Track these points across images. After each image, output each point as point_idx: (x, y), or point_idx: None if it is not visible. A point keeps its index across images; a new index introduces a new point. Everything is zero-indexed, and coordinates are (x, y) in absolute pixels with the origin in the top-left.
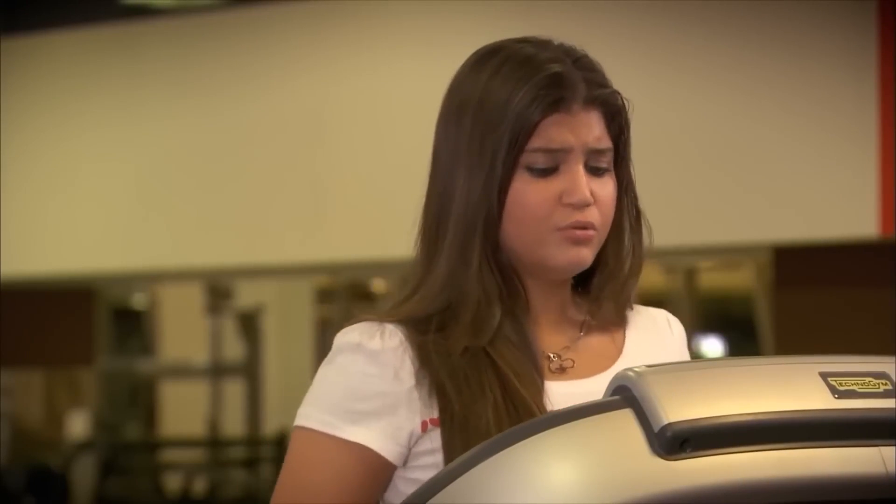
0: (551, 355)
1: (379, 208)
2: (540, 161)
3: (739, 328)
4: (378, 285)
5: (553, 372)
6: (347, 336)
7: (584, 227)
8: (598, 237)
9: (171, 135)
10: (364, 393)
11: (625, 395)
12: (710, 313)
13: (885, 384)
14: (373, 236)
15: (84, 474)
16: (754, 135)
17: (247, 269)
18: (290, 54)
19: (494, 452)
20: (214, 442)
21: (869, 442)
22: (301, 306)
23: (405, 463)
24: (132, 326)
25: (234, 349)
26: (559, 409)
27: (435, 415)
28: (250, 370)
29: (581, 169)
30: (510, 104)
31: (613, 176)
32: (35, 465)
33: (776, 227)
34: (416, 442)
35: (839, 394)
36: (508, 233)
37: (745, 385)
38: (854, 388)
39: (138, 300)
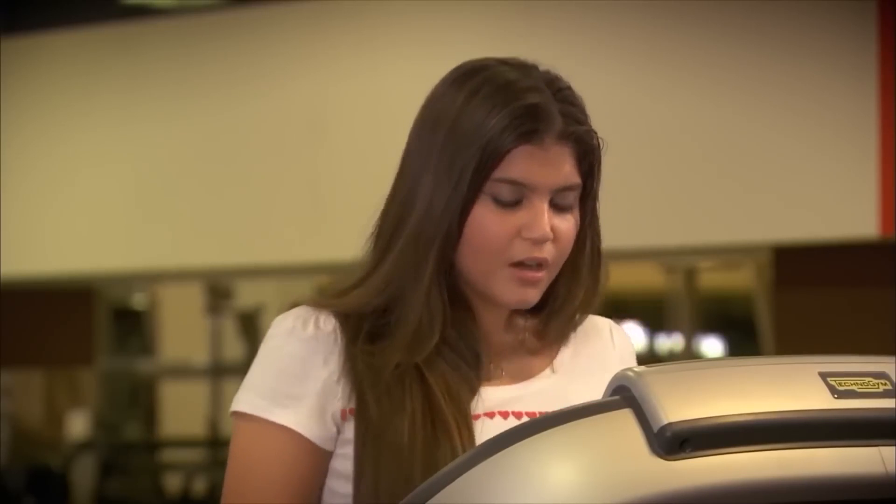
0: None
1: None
2: (504, 192)
3: (739, 328)
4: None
5: (486, 378)
6: (283, 321)
7: (538, 263)
8: (547, 276)
9: (171, 135)
10: (294, 377)
11: (624, 395)
12: (710, 313)
13: (885, 384)
14: None
15: (84, 474)
16: (754, 135)
17: (247, 269)
18: (290, 54)
19: (494, 452)
20: (214, 442)
21: (869, 442)
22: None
23: (335, 448)
24: (132, 326)
25: (234, 349)
26: (559, 410)
27: (353, 405)
28: None
29: (545, 206)
30: (483, 128)
31: (577, 212)
32: (35, 465)
33: (776, 227)
34: (340, 428)
35: (839, 394)
36: (462, 256)
37: (745, 385)
38: (854, 388)
39: (138, 300)
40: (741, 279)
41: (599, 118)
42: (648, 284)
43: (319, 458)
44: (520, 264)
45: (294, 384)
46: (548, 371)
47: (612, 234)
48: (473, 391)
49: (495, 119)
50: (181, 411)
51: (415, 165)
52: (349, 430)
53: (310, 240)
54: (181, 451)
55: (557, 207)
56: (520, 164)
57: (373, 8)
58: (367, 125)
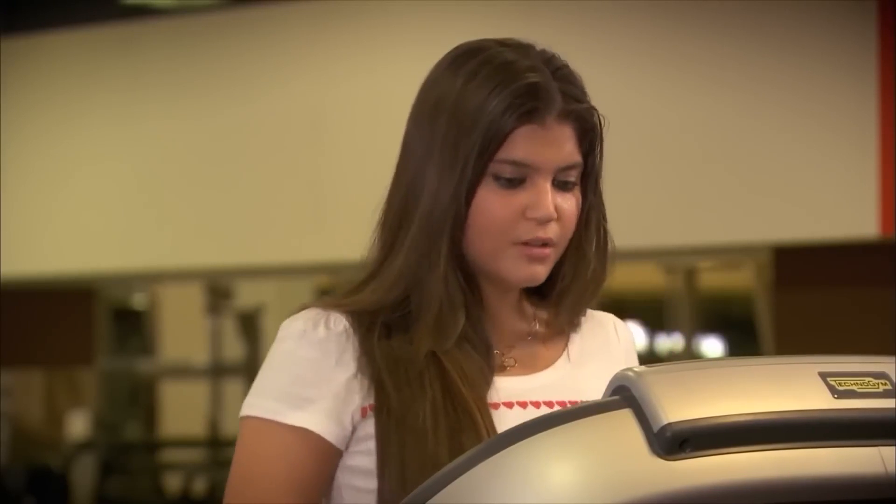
0: (496, 352)
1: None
2: (507, 172)
3: (739, 328)
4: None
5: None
6: (292, 324)
7: (543, 243)
8: (555, 253)
9: (171, 135)
10: (307, 378)
11: (624, 395)
12: (710, 313)
13: (885, 384)
14: None
15: (84, 474)
16: (754, 135)
17: (247, 269)
18: (290, 54)
19: (494, 452)
20: (214, 442)
21: (868, 442)
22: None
23: (347, 448)
24: (132, 326)
25: (234, 349)
26: (559, 410)
27: (372, 401)
28: (250, 370)
29: (548, 185)
30: (484, 110)
31: (579, 191)
32: (35, 465)
33: (776, 227)
34: (357, 427)
35: (839, 394)
36: (468, 239)
37: (745, 385)
38: (853, 388)
39: (138, 300)
40: (741, 279)
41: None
42: (648, 284)
43: (330, 458)
44: (525, 243)
45: (307, 387)
46: (560, 362)
47: (613, 234)
48: (488, 381)
49: (496, 100)
50: (181, 411)
51: (417, 154)
52: (368, 427)
53: (310, 240)
54: (181, 451)
55: (560, 186)
56: (522, 144)
57: (373, 8)
58: (367, 125)
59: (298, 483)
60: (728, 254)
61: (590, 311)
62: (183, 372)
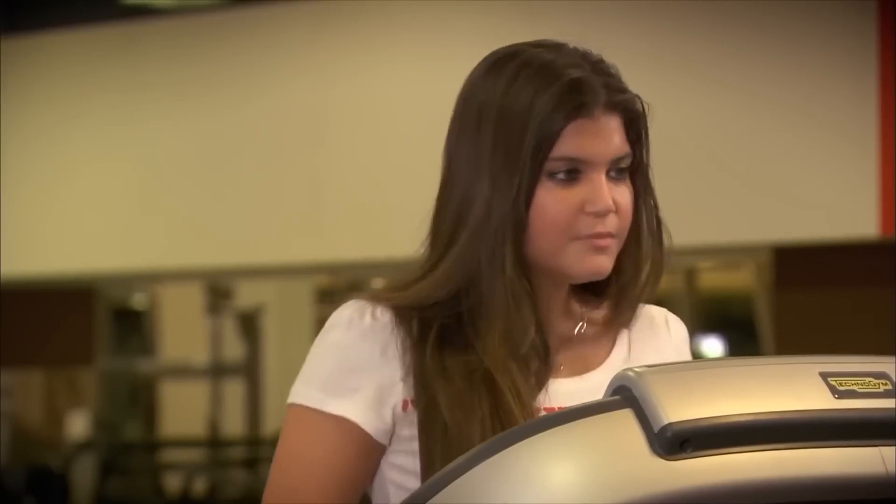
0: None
1: (379, 208)
2: (562, 168)
3: (739, 328)
4: (378, 285)
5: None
6: (340, 313)
7: (605, 235)
8: (616, 245)
9: (171, 135)
10: (352, 367)
11: (625, 395)
12: (710, 313)
13: (885, 384)
14: (373, 236)
15: (84, 474)
16: (754, 135)
17: (247, 269)
18: (290, 54)
19: (494, 452)
20: (214, 442)
21: (869, 442)
22: (301, 306)
23: (389, 444)
24: (132, 326)
25: (234, 349)
26: (559, 410)
27: (414, 396)
28: (250, 370)
29: (603, 178)
30: (532, 112)
31: (630, 181)
32: (35, 465)
33: (776, 227)
34: (398, 422)
35: (839, 394)
36: (529, 239)
37: (745, 385)
38: (854, 388)
39: (138, 300)
40: (741, 279)
41: None
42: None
43: (371, 450)
44: (587, 236)
45: (352, 376)
46: (611, 360)
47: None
48: (541, 385)
49: (543, 100)
50: (181, 411)
51: (465, 164)
52: (410, 424)
53: (310, 240)
54: (181, 451)
55: (614, 179)
56: (574, 140)
57: (373, 8)
58: (367, 125)
59: (338, 471)
60: (728, 254)
61: (643, 306)
62: (183, 372)
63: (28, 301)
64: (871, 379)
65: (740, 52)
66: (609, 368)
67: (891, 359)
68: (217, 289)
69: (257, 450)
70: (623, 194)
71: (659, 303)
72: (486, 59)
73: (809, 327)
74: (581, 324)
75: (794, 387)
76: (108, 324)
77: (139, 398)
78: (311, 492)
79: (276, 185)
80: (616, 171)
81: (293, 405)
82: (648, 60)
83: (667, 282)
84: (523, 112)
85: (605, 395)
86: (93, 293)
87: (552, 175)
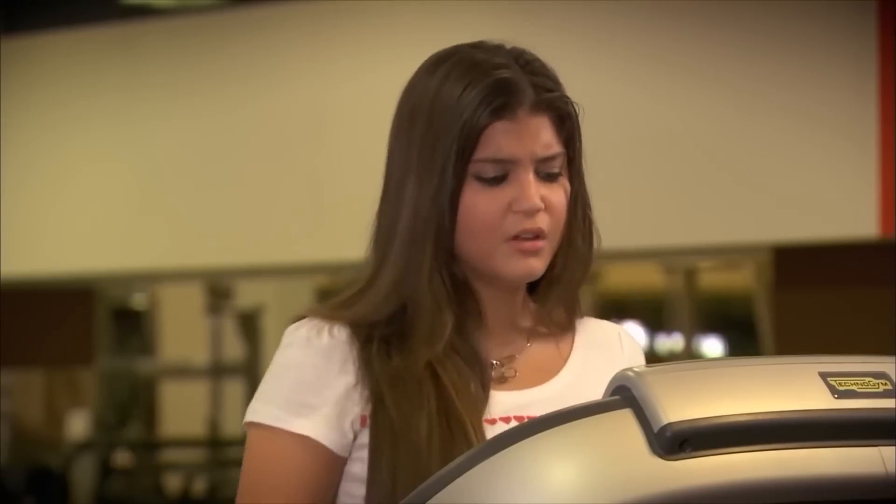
0: (495, 362)
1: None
2: (489, 170)
3: (739, 328)
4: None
5: (494, 380)
6: (297, 332)
7: (535, 235)
8: (549, 245)
9: (171, 135)
10: (311, 386)
11: (624, 395)
12: (710, 313)
13: (885, 384)
14: None
15: (84, 474)
16: (754, 135)
17: (247, 269)
18: (290, 54)
19: (494, 452)
20: (214, 442)
21: (869, 442)
22: (301, 306)
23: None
24: (132, 326)
25: (234, 349)
26: (559, 410)
27: (371, 412)
28: (250, 370)
29: (530, 177)
30: (457, 110)
31: (566, 181)
32: (35, 465)
33: (776, 227)
34: (357, 434)
35: (839, 394)
36: (460, 242)
37: (745, 385)
38: (854, 388)
39: (138, 300)
40: (741, 279)
41: (599, 118)
42: (648, 284)
43: (334, 465)
44: (516, 238)
45: (311, 394)
46: (561, 374)
47: (613, 234)
48: (482, 395)
49: (467, 99)
50: (181, 411)
51: (398, 165)
52: (366, 436)
53: (310, 240)
54: (181, 451)
55: (544, 178)
56: (497, 141)
57: (373, 8)
58: (367, 125)
59: (304, 488)
60: (728, 254)
61: (594, 320)
62: (183, 372)
63: (28, 301)
64: (870, 379)
65: (740, 51)
66: (556, 382)
67: (891, 359)
68: (217, 289)
69: None
70: (555, 193)
71: (659, 302)
72: (427, 60)
73: (809, 327)
74: (531, 336)
75: (793, 387)
76: (108, 324)
77: (139, 398)
78: None
79: (276, 185)
80: (546, 170)
81: (252, 424)
82: (648, 60)
83: (667, 282)
84: (449, 111)
85: (604, 395)
86: (93, 293)
87: (479, 177)
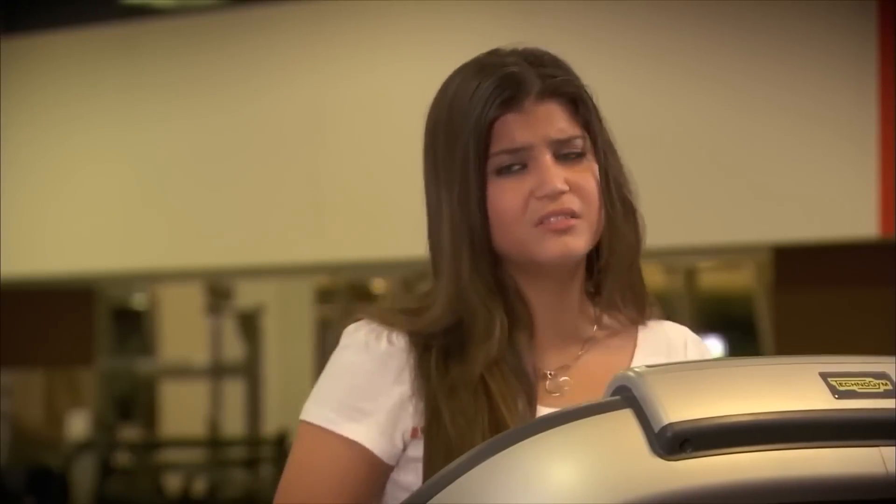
0: (549, 373)
1: (379, 208)
2: (506, 162)
3: (739, 328)
4: (378, 285)
5: (548, 392)
6: (356, 334)
7: (562, 214)
8: (583, 224)
9: (171, 135)
10: (366, 392)
11: (625, 396)
12: (710, 313)
13: (885, 384)
14: (373, 236)
15: (84, 474)
16: (754, 135)
17: (247, 269)
18: (290, 54)
19: (494, 452)
20: (214, 442)
21: (869, 442)
22: (301, 306)
23: (397, 465)
24: (132, 326)
25: (234, 349)
26: (559, 410)
27: (424, 424)
28: (250, 370)
29: (548, 160)
30: (469, 111)
31: (593, 163)
32: (35, 465)
33: (776, 227)
34: (408, 446)
35: (839, 394)
36: (497, 240)
37: (745, 385)
38: (854, 388)
39: (138, 300)
40: (741, 279)
41: None
42: (648, 284)
43: (380, 473)
44: (545, 220)
45: (366, 399)
46: None
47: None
48: (533, 402)
49: (477, 98)
50: (181, 411)
51: (429, 178)
52: (418, 448)
53: (310, 240)
54: (181, 451)
55: (567, 161)
56: (509, 132)
57: (373, 8)
58: (367, 125)
59: (347, 491)
60: (728, 254)
61: (662, 325)
62: (183, 372)
63: (28, 301)
64: (871, 379)
65: (741, 52)
66: None
67: (891, 359)
68: (217, 289)
69: (257, 450)
70: (580, 175)
71: (659, 302)
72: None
73: (809, 327)
74: (586, 344)
75: (794, 387)
76: (108, 324)
77: (139, 398)
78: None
79: (276, 185)
80: (567, 153)
81: (305, 422)
82: (648, 60)
83: (667, 282)
84: (462, 115)
85: (605, 396)
86: (93, 293)
87: (500, 171)
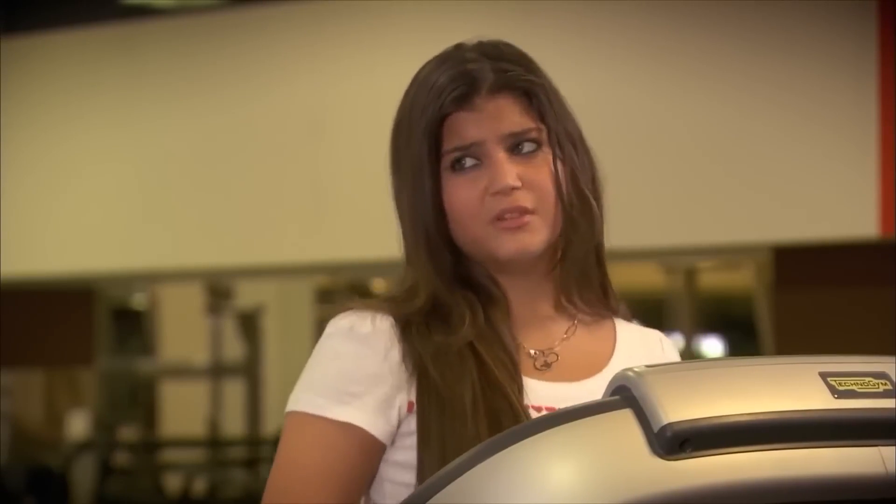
0: (533, 352)
1: (379, 208)
2: (460, 158)
3: (739, 328)
4: (378, 285)
5: (538, 369)
6: (339, 321)
7: (519, 212)
8: (537, 220)
9: (171, 135)
10: (354, 374)
11: (624, 395)
12: (710, 313)
13: (885, 384)
14: (373, 236)
15: (84, 474)
16: (754, 134)
17: (247, 269)
18: (290, 54)
19: (494, 452)
20: (214, 442)
21: (869, 442)
22: (301, 306)
23: (392, 443)
24: (132, 326)
25: (234, 349)
26: (559, 410)
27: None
28: (250, 370)
29: (500, 156)
30: (425, 107)
31: (549, 156)
32: (35, 465)
33: (776, 227)
34: (402, 422)
35: (839, 394)
36: (456, 235)
37: (745, 385)
38: (854, 388)
39: (138, 300)
40: (741, 279)
41: (599, 118)
42: (648, 284)
43: (374, 453)
44: (500, 218)
45: (354, 382)
46: (603, 373)
47: (613, 234)
48: (517, 368)
49: (431, 94)
50: (181, 411)
51: (393, 176)
52: (414, 422)
53: (310, 240)
54: (181, 451)
55: (520, 156)
56: (459, 128)
57: (373, 8)
58: (367, 125)
59: (341, 476)
60: (728, 254)
61: (636, 325)
62: (183, 372)
63: (28, 301)
64: (870, 379)
65: (740, 51)
66: (601, 377)
67: (891, 359)
68: (217, 289)
69: (257, 450)
70: (533, 168)
71: (659, 302)
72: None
73: (809, 327)
74: (569, 329)
75: (793, 387)
76: (108, 324)
77: (139, 398)
78: (314, 497)
79: (276, 185)
80: (521, 148)
81: (293, 413)
82: (648, 60)
83: (667, 282)
84: (419, 113)
85: (604, 395)
86: (93, 293)
87: (454, 168)
